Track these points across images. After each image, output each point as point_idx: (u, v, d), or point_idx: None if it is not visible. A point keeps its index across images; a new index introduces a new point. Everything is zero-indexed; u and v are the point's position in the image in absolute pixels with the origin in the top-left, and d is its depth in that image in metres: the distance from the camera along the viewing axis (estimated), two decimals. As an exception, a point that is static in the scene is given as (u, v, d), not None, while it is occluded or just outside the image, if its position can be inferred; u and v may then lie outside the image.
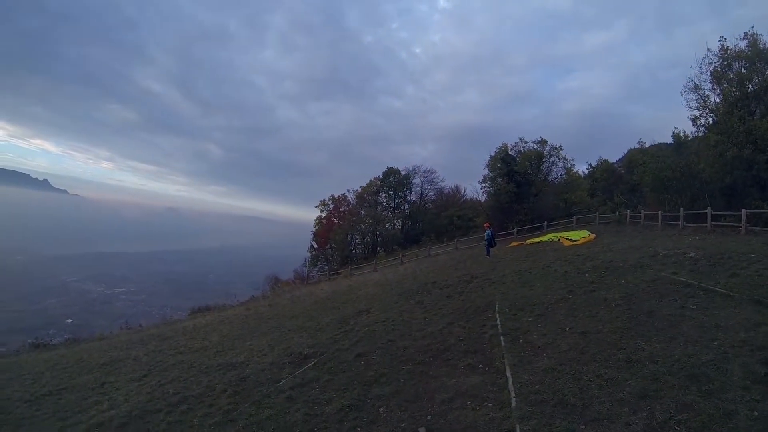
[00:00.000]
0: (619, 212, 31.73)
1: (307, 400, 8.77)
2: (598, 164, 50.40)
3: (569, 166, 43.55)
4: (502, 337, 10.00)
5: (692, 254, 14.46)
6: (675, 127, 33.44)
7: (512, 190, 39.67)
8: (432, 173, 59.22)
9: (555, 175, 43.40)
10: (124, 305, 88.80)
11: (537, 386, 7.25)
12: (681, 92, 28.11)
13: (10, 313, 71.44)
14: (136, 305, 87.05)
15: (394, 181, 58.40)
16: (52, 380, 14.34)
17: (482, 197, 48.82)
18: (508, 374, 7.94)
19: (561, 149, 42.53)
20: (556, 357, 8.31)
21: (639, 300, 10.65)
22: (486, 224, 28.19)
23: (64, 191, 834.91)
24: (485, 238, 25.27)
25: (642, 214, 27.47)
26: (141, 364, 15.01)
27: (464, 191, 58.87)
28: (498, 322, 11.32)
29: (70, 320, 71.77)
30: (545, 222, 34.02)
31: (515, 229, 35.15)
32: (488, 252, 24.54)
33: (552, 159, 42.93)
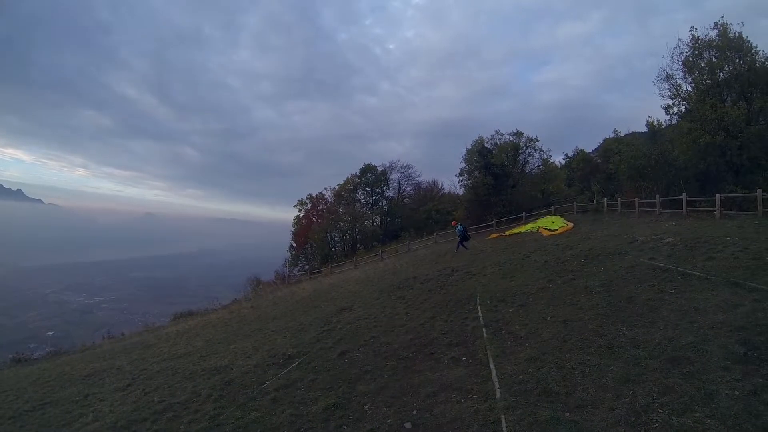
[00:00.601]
0: (597, 201, 32.04)
1: (292, 400, 8.69)
2: (574, 154, 50.78)
3: (546, 156, 43.67)
4: (484, 329, 10.05)
5: (669, 239, 14.71)
6: (649, 116, 34.02)
7: (489, 183, 39.76)
8: (409, 168, 59.33)
9: (532, 166, 43.47)
10: (106, 314, 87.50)
11: (521, 376, 7.28)
12: (654, 82, 28.48)
13: (-11, 328, 69.89)
14: (117, 314, 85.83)
15: (371, 177, 58.24)
16: (35, 395, 13.94)
17: (460, 191, 48.86)
18: (492, 365, 7.96)
19: (537, 140, 42.60)
20: (539, 346, 8.36)
21: (618, 286, 10.78)
22: (453, 222, 28.51)
23: (39, 200, 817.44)
24: (457, 234, 25.45)
25: (619, 202, 27.81)
26: (125, 373, 14.68)
27: (442, 185, 58.95)
28: (480, 314, 11.37)
29: (51, 333, 70.50)
30: (524, 213, 34.18)
31: (494, 221, 35.36)
32: (465, 246, 24.63)
33: (528, 150, 42.91)
